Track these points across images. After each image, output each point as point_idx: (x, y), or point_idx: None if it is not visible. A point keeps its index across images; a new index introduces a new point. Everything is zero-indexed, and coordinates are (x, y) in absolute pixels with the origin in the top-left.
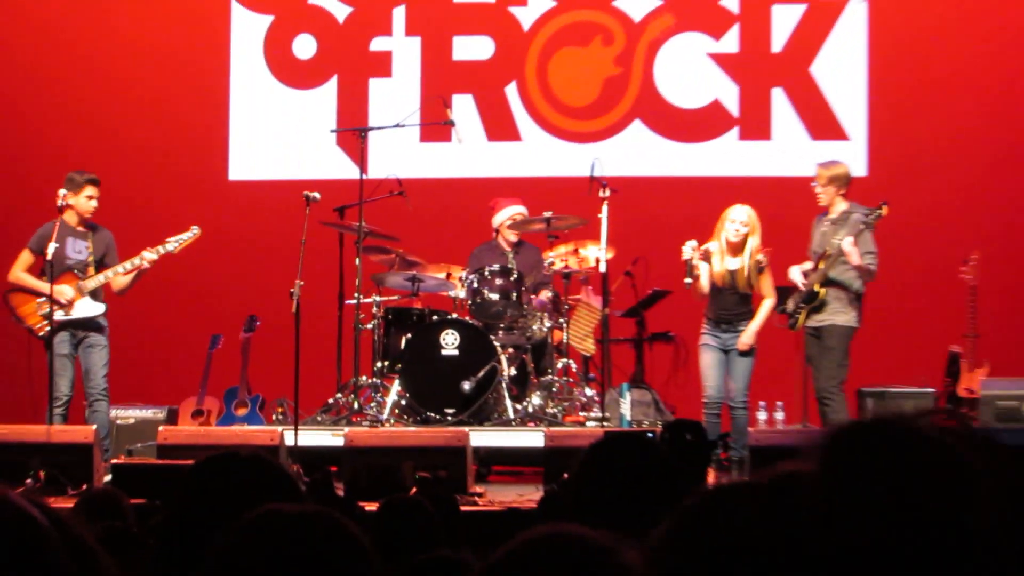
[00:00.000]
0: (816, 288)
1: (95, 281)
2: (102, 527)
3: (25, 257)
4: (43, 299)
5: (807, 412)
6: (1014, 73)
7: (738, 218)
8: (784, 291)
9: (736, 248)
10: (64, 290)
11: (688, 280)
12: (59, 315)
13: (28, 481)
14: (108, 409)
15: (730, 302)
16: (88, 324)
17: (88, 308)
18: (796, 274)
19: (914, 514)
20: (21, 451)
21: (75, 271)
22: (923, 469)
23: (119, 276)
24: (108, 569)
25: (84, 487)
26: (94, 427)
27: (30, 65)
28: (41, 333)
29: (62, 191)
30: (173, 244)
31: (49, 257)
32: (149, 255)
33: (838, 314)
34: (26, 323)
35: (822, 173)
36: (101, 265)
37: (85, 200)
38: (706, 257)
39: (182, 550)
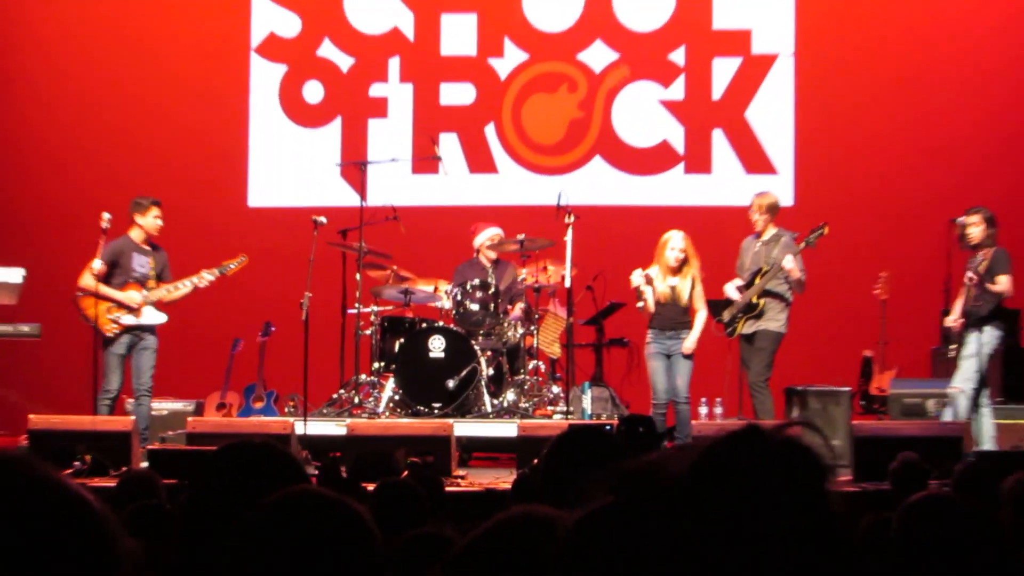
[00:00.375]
0: (755, 300)
1: (157, 294)
2: (140, 504)
3: (99, 267)
4: (112, 304)
5: (742, 407)
6: (924, 117)
7: (677, 245)
8: (714, 304)
9: (675, 270)
10: (133, 296)
11: (640, 304)
12: (128, 319)
13: (76, 464)
14: (150, 404)
15: (673, 314)
16: (146, 328)
17: (154, 316)
18: (732, 290)
19: (773, 515)
20: (70, 438)
21: (139, 282)
22: (785, 476)
23: (179, 291)
24: (130, 547)
25: (124, 469)
26: (133, 418)
27: (81, 110)
28: (110, 334)
29: (107, 215)
30: (227, 268)
31: (95, 271)
32: (208, 275)
33: (771, 321)
34: (95, 322)
35: (760, 202)
36: (159, 279)
37: (152, 220)
38: (649, 281)
39: (205, 523)
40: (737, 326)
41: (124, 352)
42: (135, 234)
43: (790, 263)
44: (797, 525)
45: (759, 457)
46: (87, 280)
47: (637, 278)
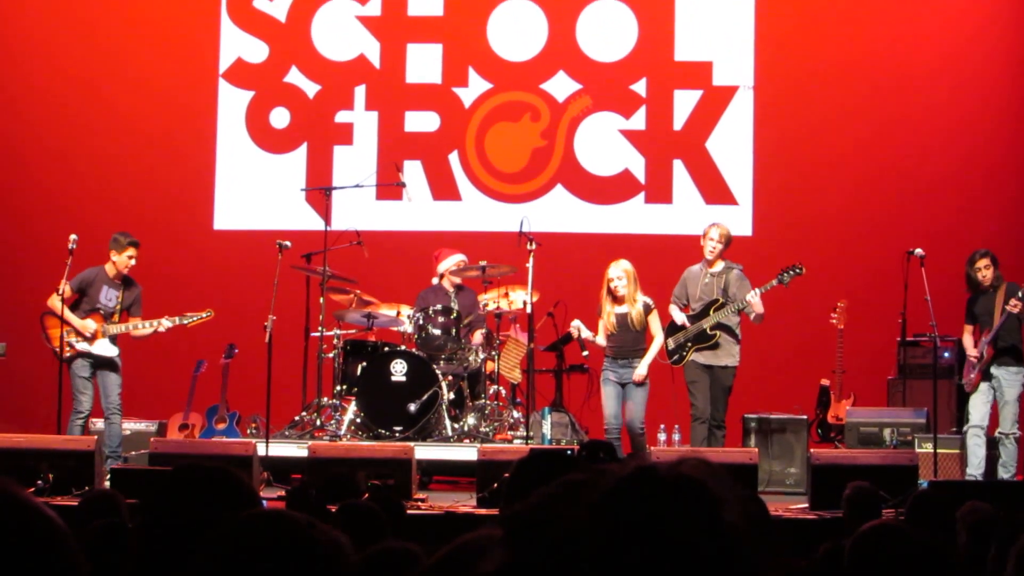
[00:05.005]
0: (709, 331)
1: (118, 328)
2: (103, 523)
3: (65, 290)
4: (71, 328)
5: (684, 435)
6: (881, 148)
7: (615, 275)
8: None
9: (621, 299)
10: (88, 324)
11: (585, 353)
12: (82, 345)
13: (39, 482)
14: (121, 423)
15: (624, 341)
16: (100, 356)
17: (105, 349)
18: (681, 316)
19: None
20: (33, 457)
21: (102, 314)
22: (681, 509)
23: (138, 331)
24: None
25: (86, 488)
26: (95, 437)
27: (53, 129)
28: (64, 357)
29: (73, 236)
30: (188, 319)
31: (61, 294)
32: (167, 322)
33: (729, 357)
34: (52, 343)
35: (722, 232)
36: (126, 312)
37: (126, 259)
38: (599, 313)
39: (159, 544)
40: (686, 355)
41: (89, 374)
42: (109, 267)
43: (757, 298)
44: (701, 566)
45: (657, 502)
46: (54, 301)
47: (574, 330)
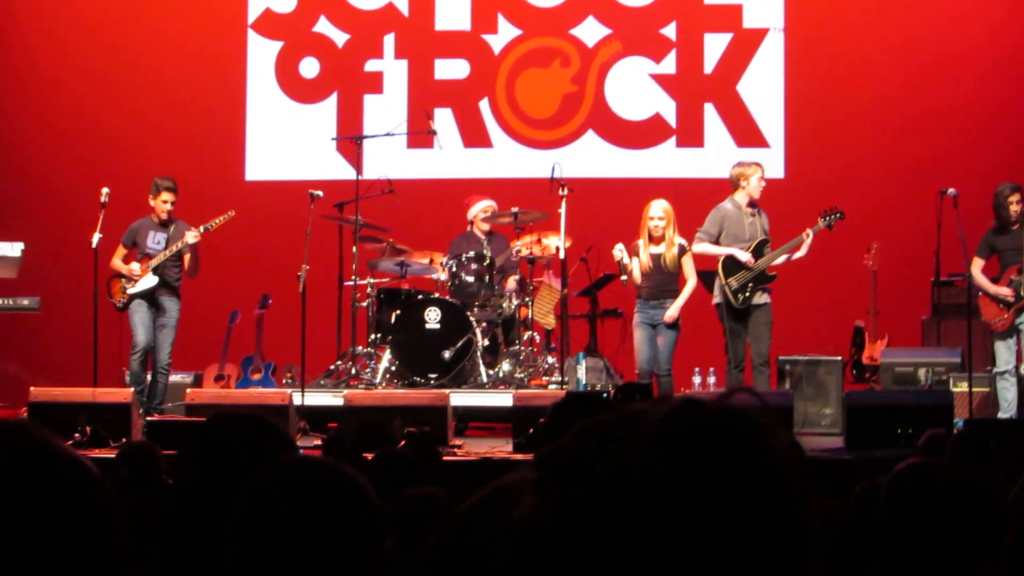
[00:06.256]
0: (767, 272)
1: (156, 260)
2: (140, 475)
3: (119, 250)
4: (123, 279)
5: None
6: (913, 88)
7: (655, 214)
8: (704, 274)
9: (659, 239)
10: (134, 267)
11: (624, 277)
12: (132, 289)
13: (76, 435)
14: (168, 381)
15: (657, 282)
16: (162, 302)
17: (147, 282)
18: (745, 256)
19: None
20: (70, 410)
21: (150, 257)
22: (737, 447)
23: (169, 254)
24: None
25: (123, 440)
26: (131, 390)
27: (82, 83)
28: (120, 305)
29: (105, 190)
30: (212, 224)
31: (94, 245)
32: (190, 235)
33: (767, 294)
34: (113, 299)
35: (762, 171)
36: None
37: (161, 203)
38: (636, 252)
39: (196, 492)
40: (750, 295)
41: (145, 310)
42: (154, 213)
43: (811, 238)
44: (754, 503)
45: (708, 436)
46: (113, 261)
47: (618, 252)
